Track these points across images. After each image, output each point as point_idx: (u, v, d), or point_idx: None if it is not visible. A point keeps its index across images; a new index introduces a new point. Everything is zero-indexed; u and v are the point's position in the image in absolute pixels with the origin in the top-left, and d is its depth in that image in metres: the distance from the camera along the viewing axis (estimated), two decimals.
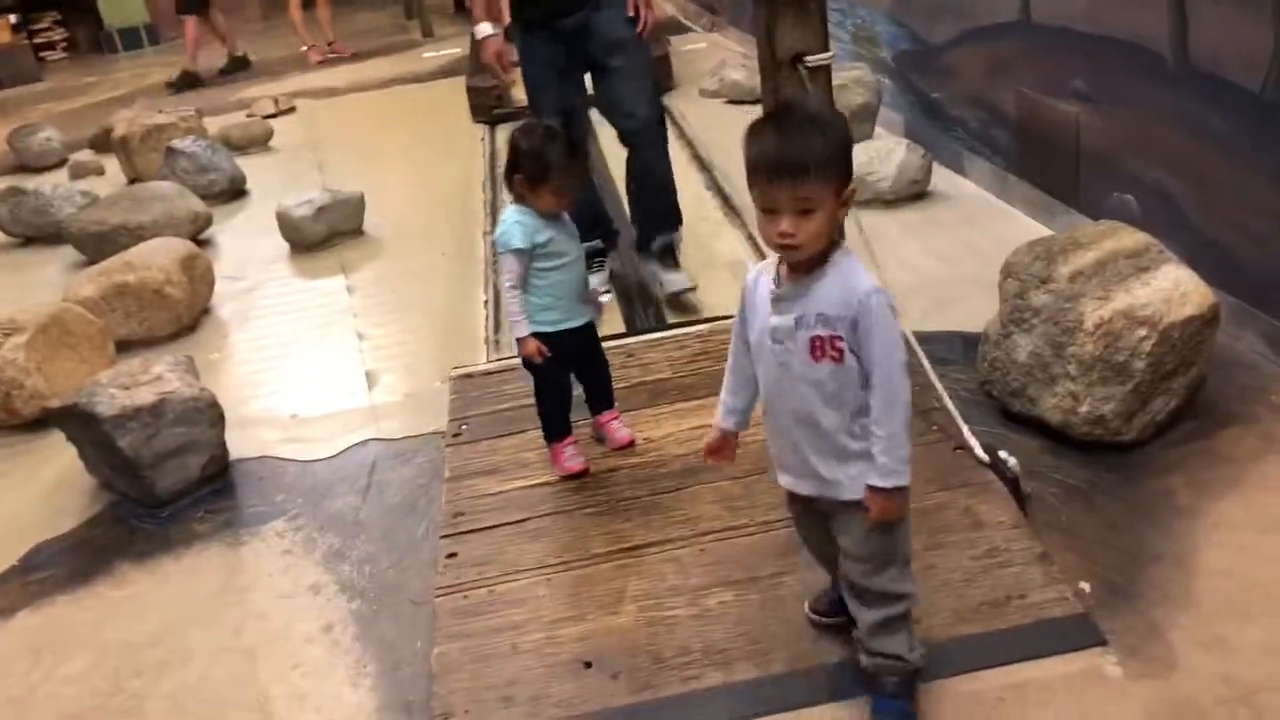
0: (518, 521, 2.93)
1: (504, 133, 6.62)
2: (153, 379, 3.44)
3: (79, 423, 3.37)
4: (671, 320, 4.14)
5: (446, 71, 9.70)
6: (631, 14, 4.00)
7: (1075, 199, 4.32)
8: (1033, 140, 4.64)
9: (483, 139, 7.29)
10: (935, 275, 4.26)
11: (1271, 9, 3.11)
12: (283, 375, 4.27)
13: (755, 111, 2.23)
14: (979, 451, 2.89)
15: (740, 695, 2.31)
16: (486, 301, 4.61)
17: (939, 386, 3.08)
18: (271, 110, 8.98)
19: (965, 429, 2.96)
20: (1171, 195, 3.72)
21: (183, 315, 4.72)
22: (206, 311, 4.94)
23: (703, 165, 6.07)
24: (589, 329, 3.08)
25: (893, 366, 1.93)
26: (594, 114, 4.42)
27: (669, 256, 4.31)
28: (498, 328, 4.32)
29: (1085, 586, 2.52)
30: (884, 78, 6.06)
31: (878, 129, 5.99)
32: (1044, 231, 4.20)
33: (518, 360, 3.13)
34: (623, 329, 4.14)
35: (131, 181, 7.03)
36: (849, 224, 3.53)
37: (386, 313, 4.75)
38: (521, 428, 3.29)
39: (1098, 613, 2.43)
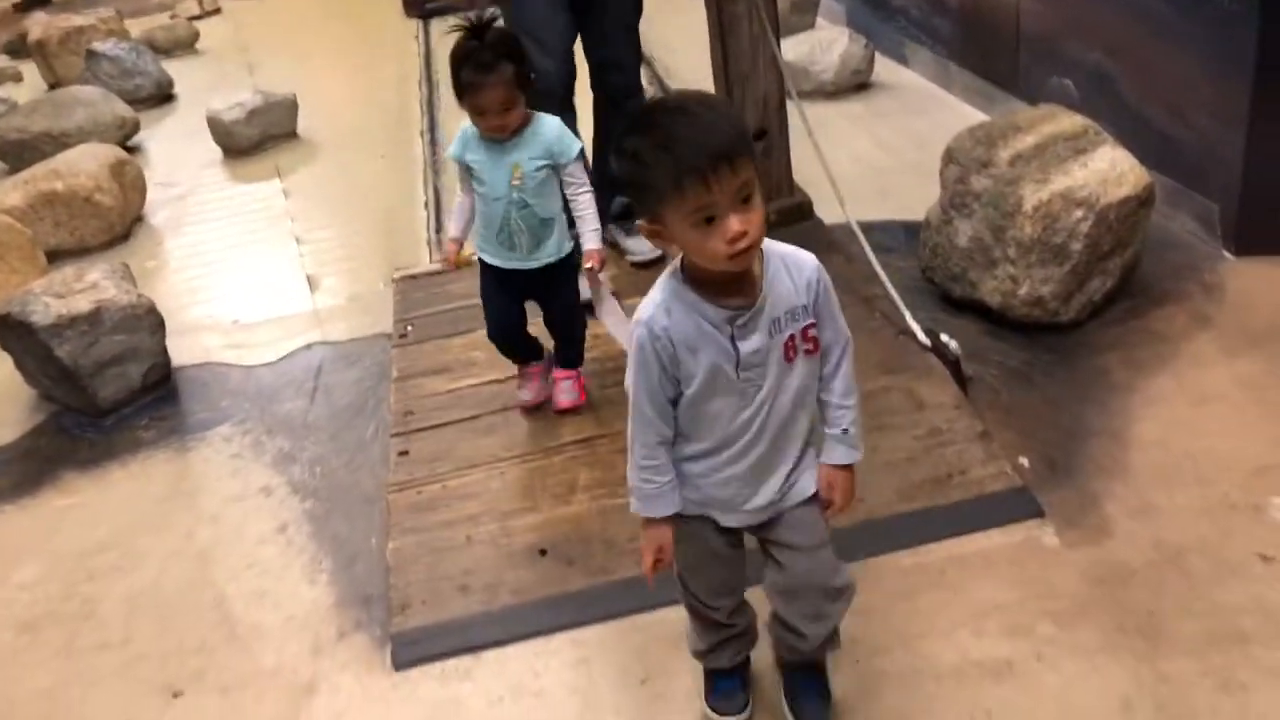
0: (469, 418, 2.94)
1: (439, 27, 6.47)
2: (88, 287, 3.37)
3: (14, 333, 3.30)
4: None
5: None
6: None
7: (1015, 85, 4.33)
8: (974, 27, 4.63)
9: (417, 36, 7.11)
10: (878, 165, 4.27)
11: None
12: (222, 281, 4.21)
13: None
14: (921, 336, 2.94)
15: None
16: (427, 203, 4.55)
17: (882, 274, 3.12)
18: (196, 11, 8.68)
19: (908, 315, 3.01)
20: (1110, 78, 3.74)
21: (115, 223, 4.61)
22: (139, 219, 4.83)
23: None
24: (537, 275, 2.72)
25: (848, 334, 1.75)
26: None
27: (629, 218, 3.64)
28: (439, 229, 4.27)
29: (1024, 462, 2.59)
30: None
31: (819, 19, 5.94)
32: (985, 119, 4.21)
33: None
34: None
35: (52, 87, 6.79)
36: (793, 116, 3.53)
37: (325, 216, 4.68)
38: (468, 327, 3.27)
39: (1036, 486, 2.51)
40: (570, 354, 2.93)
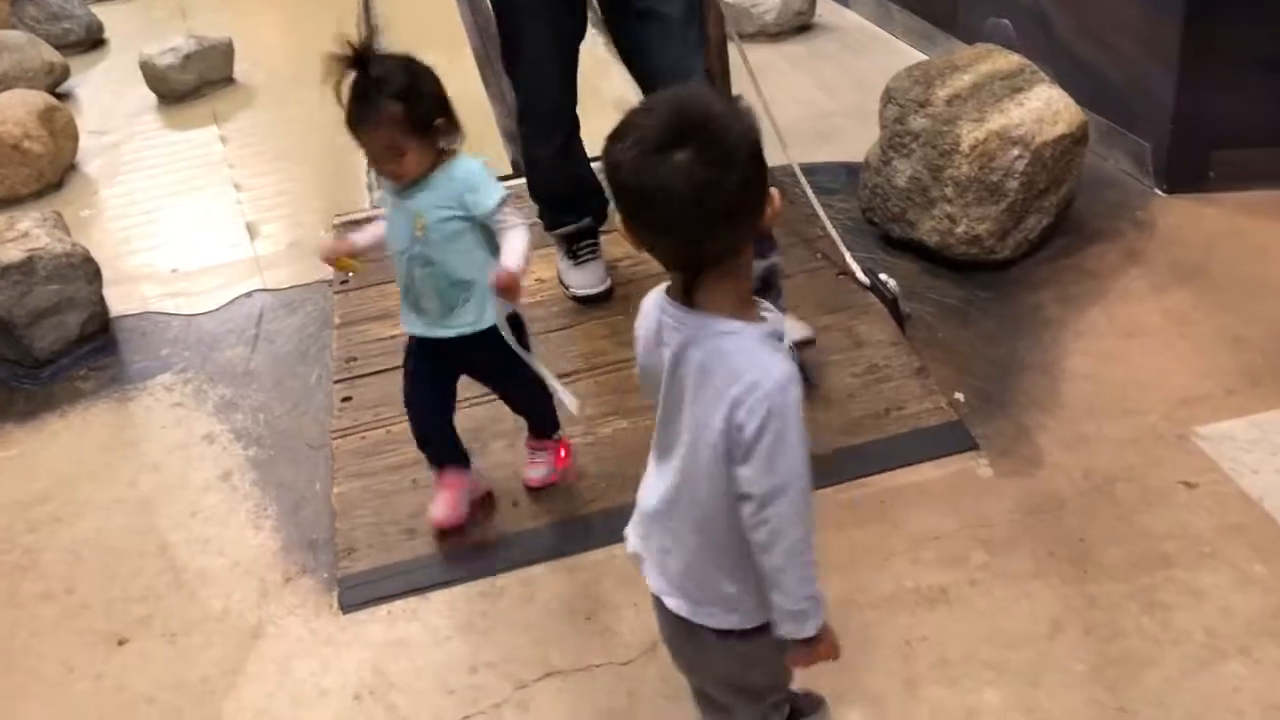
0: None
1: None
2: (19, 235, 3.30)
3: None
4: None
5: None
6: None
7: (955, 25, 4.35)
8: None
9: None
10: (820, 107, 4.29)
11: None
12: (159, 230, 4.13)
13: None
14: (860, 275, 2.98)
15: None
16: None
17: (823, 215, 3.15)
18: None
19: (847, 255, 3.05)
20: (1046, 18, 3.77)
21: (45, 172, 4.50)
22: (72, 168, 4.71)
23: None
24: (457, 345, 2.20)
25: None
26: None
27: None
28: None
29: (960, 396, 2.65)
30: None
31: None
32: (926, 59, 4.23)
33: None
34: None
35: None
36: (734, 57, 3.52)
37: (264, 163, 4.60)
38: None
39: (971, 420, 2.57)
40: (536, 421, 2.46)
